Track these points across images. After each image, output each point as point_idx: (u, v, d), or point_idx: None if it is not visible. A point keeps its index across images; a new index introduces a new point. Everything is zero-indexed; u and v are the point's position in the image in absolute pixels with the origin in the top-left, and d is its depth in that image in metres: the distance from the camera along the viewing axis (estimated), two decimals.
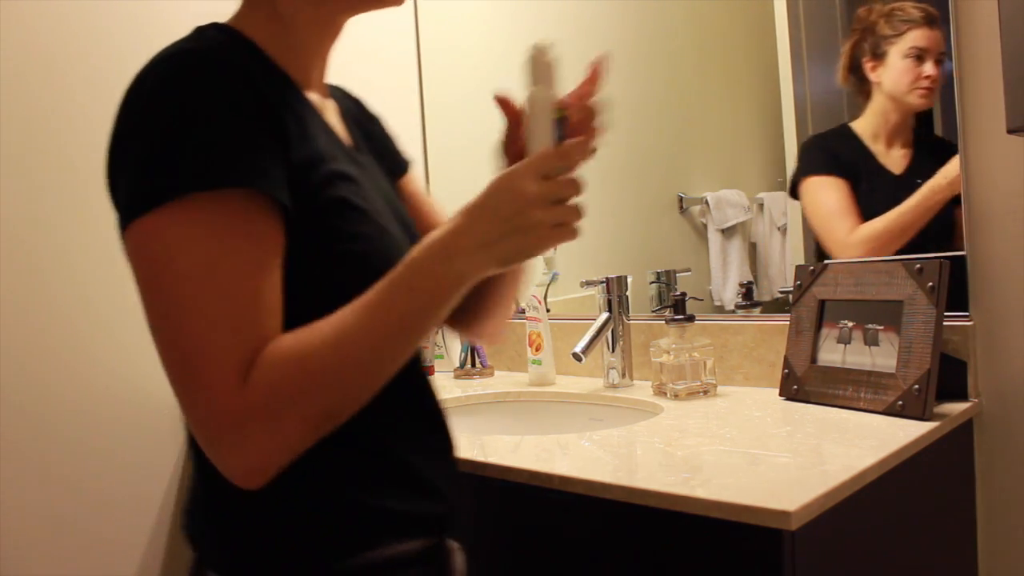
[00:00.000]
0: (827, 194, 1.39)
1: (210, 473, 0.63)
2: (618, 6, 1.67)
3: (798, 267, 1.30)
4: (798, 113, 1.42)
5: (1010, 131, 1.02)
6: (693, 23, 1.59)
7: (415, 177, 0.94)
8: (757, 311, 1.49)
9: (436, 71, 1.95)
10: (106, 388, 1.45)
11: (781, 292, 1.45)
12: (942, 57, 1.25)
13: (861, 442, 0.98)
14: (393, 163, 0.90)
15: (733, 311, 1.51)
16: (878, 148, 1.35)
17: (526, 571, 1.02)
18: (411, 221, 0.82)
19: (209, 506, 0.70)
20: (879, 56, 1.32)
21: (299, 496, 0.66)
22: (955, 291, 1.14)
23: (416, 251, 0.63)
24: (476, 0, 1.89)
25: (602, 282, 1.47)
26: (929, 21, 1.26)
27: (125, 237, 0.62)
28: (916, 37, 1.28)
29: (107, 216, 1.31)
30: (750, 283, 1.50)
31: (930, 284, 1.10)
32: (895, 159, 1.34)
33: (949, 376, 1.14)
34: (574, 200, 0.65)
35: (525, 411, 1.50)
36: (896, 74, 1.31)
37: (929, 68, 1.27)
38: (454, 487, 0.77)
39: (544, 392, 1.51)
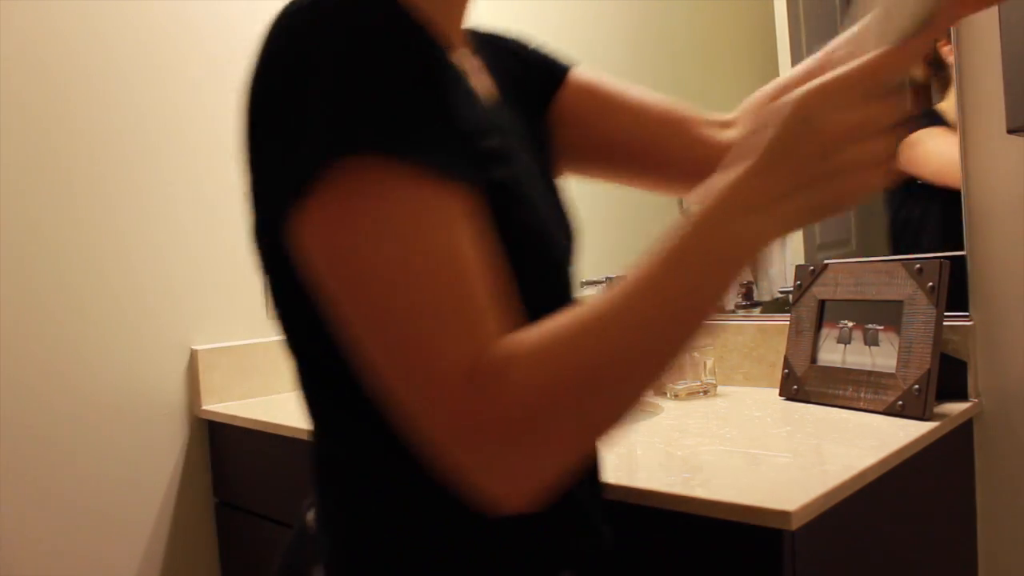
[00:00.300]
0: (937, 137, 1.27)
1: (357, 501, 0.58)
2: (619, 6, 1.67)
3: (798, 267, 1.30)
4: None
5: (1010, 131, 1.03)
6: (693, 23, 1.59)
7: (582, 71, 0.80)
8: (757, 311, 1.49)
9: None
10: (105, 390, 1.45)
11: (781, 292, 1.45)
12: None
13: (861, 442, 0.98)
14: (546, 81, 0.78)
15: (733, 311, 1.51)
16: None
17: None
18: (562, 192, 0.72)
19: (350, 537, 0.60)
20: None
21: (460, 529, 0.57)
22: (955, 291, 1.14)
23: (694, 212, 0.48)
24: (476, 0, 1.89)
25: (602, 282, 1.47)
26: None
27: (287, 230, 0.51)
28: None
29: (104, 218, 1.30)
30: (750, 283, 1.50)
31: (930, 284, 1.10)
32: None
33: (949, 376, 1.14)
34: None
35: None
36: None
37: None
38: (601, 517, 0.69)
39: None
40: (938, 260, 1.10)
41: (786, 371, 1.26)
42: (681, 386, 1.32)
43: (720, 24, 1.56)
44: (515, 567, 0.60)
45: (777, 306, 1.45)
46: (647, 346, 0.47)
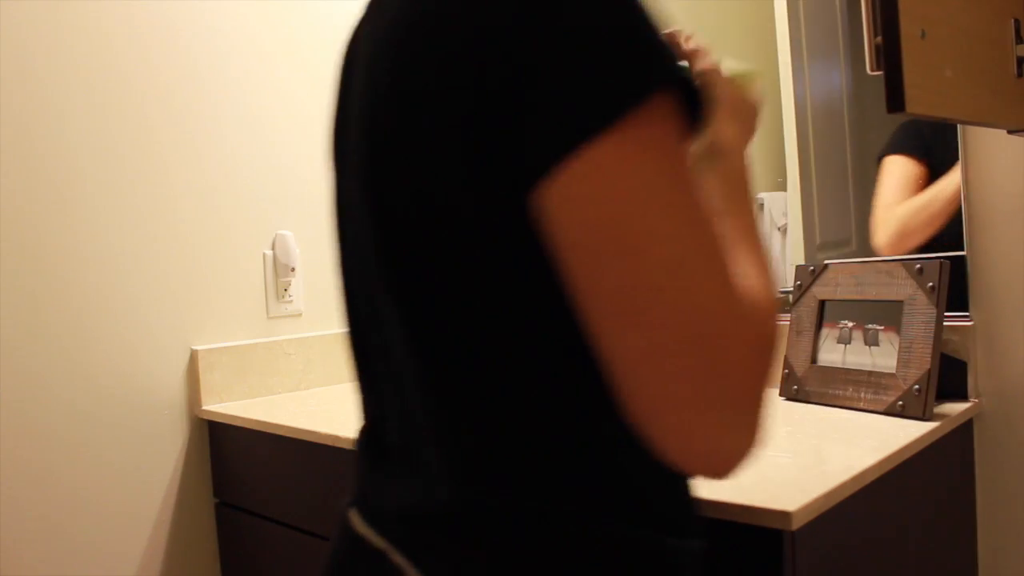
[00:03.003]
0: (889, 174, 1.24)
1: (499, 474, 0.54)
2: None
3: (798, 267, 1.30)
4: (798, 113, 1.42)
5: (1010, 131, 1.03)
6: (693, 23, 1.59)
7: None
8: None
9: None
10: (105, 390, 1.45)
11: (781, 292, 1.45)
12: None
13: (861, 442, 0.98)
14: None
15: None
16: None
17: None
18: None
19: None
20: None
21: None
22: (955, 291, 1.14)
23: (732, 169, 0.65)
24: None
25: None
26: None
27: (555, 181, 0.46)
28: None
29: (104, 218, 1.30)
30: None
31: (930, 284, 1.10)
32: None
33: (949, 376, 1.14)
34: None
35: None
36: None
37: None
38: None
39: None
40: (938, 260, 1.10)
41: (786, 371, 1.26)
42: None
43: (720, 24, 1.56)
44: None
45: None
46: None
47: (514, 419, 0.53)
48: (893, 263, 1.16)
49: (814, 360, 1.23)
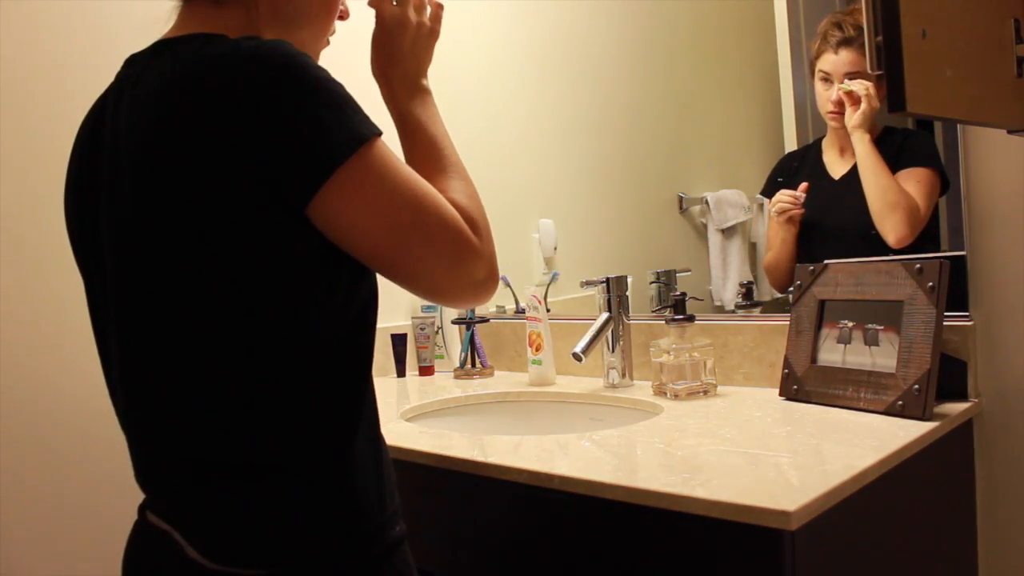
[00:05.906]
0: (768, 217, 1.46)
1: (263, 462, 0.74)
2: (618, 6, 1.67)
3: (798, 267, 1.30)
4: (798, 113, 1.42)
5: (1010, 131, 1.03)
6: (693, 23, 1.59)
7: None
8: (757, 311, 1.49)
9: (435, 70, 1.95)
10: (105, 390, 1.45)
11: (781, 292, 1.45)
12: (851, 78, 1.29)
13: (861, 442, 0.98)
14: None
15: (733, 311, 1.51)
16: (831, 156, 1.38)
17: (527, 571, 1.02)
18: None
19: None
20: (812, 75, 1.36)
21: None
22: (955, 291, 1.14)
23: (420, 105, 0.99)
24: (474, 0, 1.88)
25: (602, 282, 1.47)
26: (839, 44, 1.30)
27: (337, 175, 0.69)
28: (823, 61, 1.32)
29: None
30: (750, 283, 1.50)
31: (930, 284, 1.10)
32: (840, 165, 1.36)
33: (949, 376, 1.14)
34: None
35: (525, 411, 1.50)
36: (816, 95, 1.36)
37: (833, 92, 1.31)
38: None
39: (544, 392, 1.51)
40: (938, 260, 1.10)
41: (786, 371, 1.26)
42: (681, 386, 1.32)
43: (720, 24, 1.56)
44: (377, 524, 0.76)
45: (777, 306, 1.45)
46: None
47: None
48: (893, 263, 1.16)
49: (814, 360, 1.23)
